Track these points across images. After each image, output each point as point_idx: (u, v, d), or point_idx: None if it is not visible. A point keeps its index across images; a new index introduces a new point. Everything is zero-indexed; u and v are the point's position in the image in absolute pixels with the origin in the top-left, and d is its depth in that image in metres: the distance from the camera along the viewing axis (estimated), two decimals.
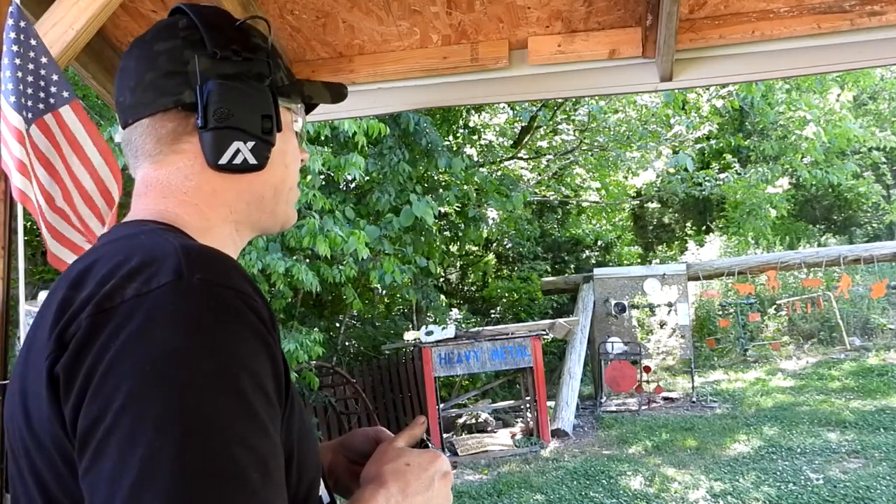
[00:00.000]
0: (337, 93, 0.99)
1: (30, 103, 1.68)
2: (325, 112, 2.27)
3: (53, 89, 1.70)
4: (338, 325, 9.32)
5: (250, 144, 0.83)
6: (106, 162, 1.83)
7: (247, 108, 0.83)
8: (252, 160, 0.84)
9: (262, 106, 0.85)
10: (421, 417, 0.95)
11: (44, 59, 1.67)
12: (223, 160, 0.82)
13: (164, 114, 0.83)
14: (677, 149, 11.51)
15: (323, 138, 6.14)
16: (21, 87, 1.63)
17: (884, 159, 13.17)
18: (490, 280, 13.24)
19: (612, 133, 11.04)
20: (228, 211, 0.86)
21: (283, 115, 0.89)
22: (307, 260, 6.37)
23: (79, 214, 1.82)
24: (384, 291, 10.02)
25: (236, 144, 0.82)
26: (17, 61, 1.61)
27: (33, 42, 1.64)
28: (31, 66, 1.65)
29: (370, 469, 0.84)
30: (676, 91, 8.89)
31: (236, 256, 0.89)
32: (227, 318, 0.65)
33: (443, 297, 10.68)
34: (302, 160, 0.97)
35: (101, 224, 1.84)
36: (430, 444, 0.92)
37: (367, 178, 7.16)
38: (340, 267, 6.46)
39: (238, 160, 0.83)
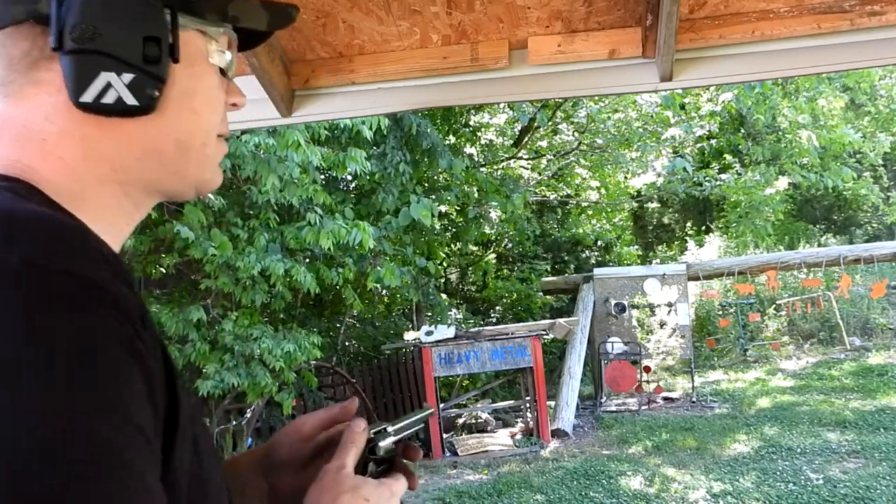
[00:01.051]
0: (279, 14, 0.73)
1: None
2: (325, 112, 2.27)
3: None
4: (338, 325, 9.32)
5: (126, 77, 0.59)
6: None
7: (121, 26, 0.59)
8: (130, 99, 0.60)
9: (146, 25, 0.60)
10: (362, 422, 0.78)
11: None
12: (87, 97, 0.58)
13: (17, 28, 0.59)
14: (678, 149, 11.53)
15: (323, 139, 6.13)
16: None
17: (881, 161, 13.17)
18: (490, 280, 13.25)
19: (610, 134, 11.05)
20: (109, 168, 0.62)
21: (190, 40, 0.65)
22: (307, 261, 6.37)
23: None
24: (384, 291, 10.03)
25: (105, 76, 0.59)
26: None
27: None
28: None
29: (322, 498, 0.70)
30: (675, 93, 8.91)
31: (129, 229, 0.67)
32: (64, 318, 0.46)
33: (444, 296, 10.69)
34: (234, 104, 0.73)
35: None
36: (378, 450, 0.80)
37: (369, 178, 7.18)
38: (340, 269, 6.46)
39: (109, 98, 0.59)
